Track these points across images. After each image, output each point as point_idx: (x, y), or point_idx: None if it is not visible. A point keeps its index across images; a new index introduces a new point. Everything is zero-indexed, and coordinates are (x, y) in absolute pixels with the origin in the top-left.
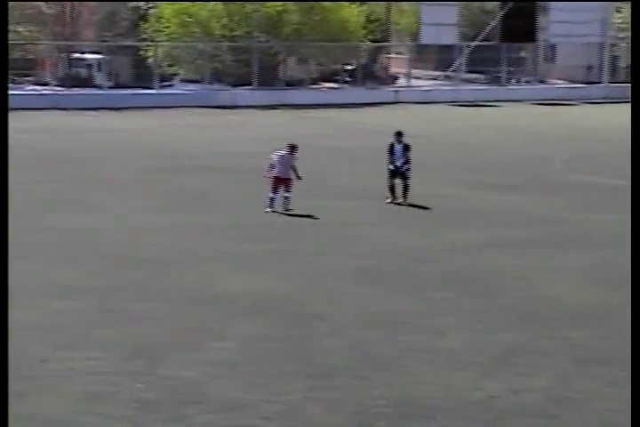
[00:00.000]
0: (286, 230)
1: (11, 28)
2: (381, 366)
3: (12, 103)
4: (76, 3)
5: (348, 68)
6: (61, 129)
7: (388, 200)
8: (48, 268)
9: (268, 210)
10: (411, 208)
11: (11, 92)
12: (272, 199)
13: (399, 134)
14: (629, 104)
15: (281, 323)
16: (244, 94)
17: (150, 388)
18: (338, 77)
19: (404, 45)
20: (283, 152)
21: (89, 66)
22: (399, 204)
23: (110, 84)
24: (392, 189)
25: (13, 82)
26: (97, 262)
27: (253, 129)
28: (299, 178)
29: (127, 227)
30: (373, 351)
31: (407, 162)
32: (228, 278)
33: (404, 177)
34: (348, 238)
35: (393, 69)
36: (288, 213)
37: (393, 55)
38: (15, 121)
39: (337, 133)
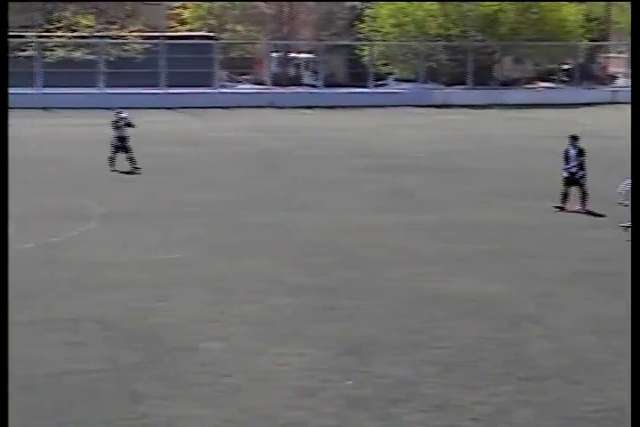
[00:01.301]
0: (501, 231)
1: (229, 26)
2: (594, 370)
3: (229, 101)
4: (294, 3)
5: (565, 67)
6: (277, 127)
7: (559, 207)
8: (264, 264)
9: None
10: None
11: (228, 90)
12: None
13: (574, 138)
14: None
15: (494, 325)
16: (458, 94)
17: (361, 385)
18: (554, 77)
19: (623, 44)
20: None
21: (297, 65)
22: (577, 211)
23: (318, 83)
24: (565, 196)
25: (230, 80)
26: (310, 260)
27: (468, 128)
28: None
29: (340, 226)
30: (586, 356)
31: (582, 168)
32: (443, 279)
33: (579, 184)
34: (569, 240)
35: (611, 69)
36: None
37: (612, 54)
38: (232, 119)
39: (553, 134)
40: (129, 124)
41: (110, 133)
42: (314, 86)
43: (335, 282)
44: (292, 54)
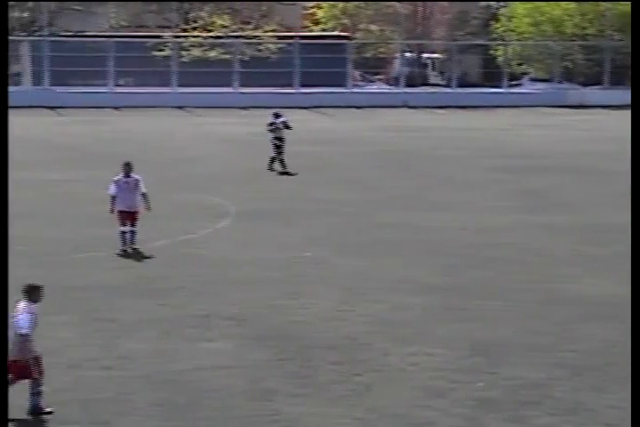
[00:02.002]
0: None
1: (363, 26)
2: None
3: (362, 101)
4: (428, 2)
5: None
6: (410, 127)
7: None
8: (394, 264)
9: None
10: None
11: (361, 90)
12: None
13: None
14: None
15: (626, 328)
16: (594, 94)
17: (490, 386)
18: None
19: None
20: None
21: (424, 65)
22: None
23: (444, 83)
24: None
25: (363, 80)
26: (441, 260)
27: (603, 129)
28: None
29: (473, 225)
30: None
31: None
32: (575, 280)
33: None
34: None
35: None
36: None
37: None
38: (365, 119)
39: None
40: (287, 126)
41: (241, 132)
42: (446, 86)
43: (464, 282)
44: (411, 55)
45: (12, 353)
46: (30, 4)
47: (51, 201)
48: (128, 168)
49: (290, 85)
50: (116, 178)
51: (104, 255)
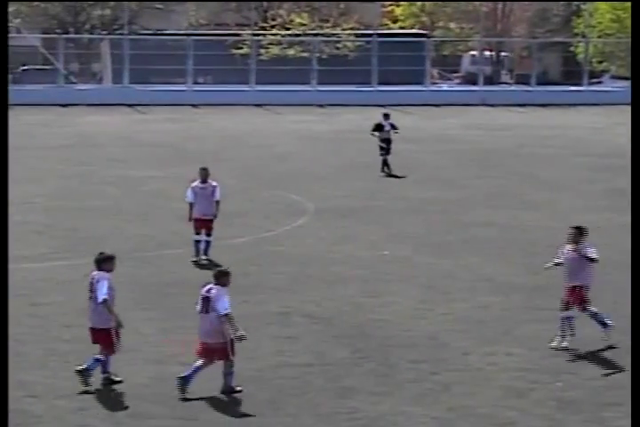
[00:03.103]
0: None
1: (442, 24)
2: None
3: (440, 99)
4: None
5: None
6: (490, 125)
7: None
8: (476, 262)
9: None
10: None
11: (439, 88)
12: None
13: None
14: None
15: None
16: None
17: (571, 387)
18: None
19: None
20: None
21: (496, 63)
22: None
23: (512, 81)
24: None
25: (442, 78)
26: (524, 259)
27: None
28: None
29: (558, 224)
30: None
31: None
32: None
33: None
34: None
35: None
36: None
37: None
38: (444, 117)
39: None
40: (394, 128)
41: (320, 129)
42: (523, 84)
43: (547, 281)
44: (488, 53)
45: (215, 337)
46: (111, 2)
47: (135, 198)
48: (205, 174)
49: (367, 83)
50: (192, 184)
51: (187, 252)
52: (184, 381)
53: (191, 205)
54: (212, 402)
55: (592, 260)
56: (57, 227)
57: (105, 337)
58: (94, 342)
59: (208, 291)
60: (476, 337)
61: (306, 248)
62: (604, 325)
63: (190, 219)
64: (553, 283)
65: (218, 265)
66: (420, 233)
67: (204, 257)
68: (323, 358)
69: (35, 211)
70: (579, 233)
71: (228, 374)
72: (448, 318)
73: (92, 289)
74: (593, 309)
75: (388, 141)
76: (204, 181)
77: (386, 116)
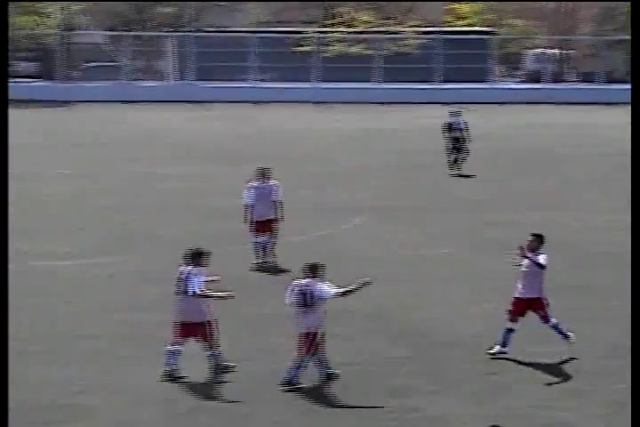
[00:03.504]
0: None
1: (507, 21)
2: None
3: (504, 97)
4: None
5: None
6: (555, 124)
7: None
8: None
9: None
10: None
11: (504, 86)
12: None
13: None
14: None
15: None
16: None
17: (628, 388)
18: None
19: None
20: None
21: (560, 61)
22: None
23: (572, 78)
24: None
25: (506, 75)
26: (574, 259)
27: None
28: None
29: (605, 225)
30: None
31: None
32: None
33: None
34: None
35: None
36: None
37: None
38: (508, 115)
39: None
40: (465, 125)
41: (383, 127)
42: (589, 82)
43: (597, 282)
44: (538, 50)
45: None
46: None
47: (192, 195)
48: (263, 173)
49: (431, 81)
50: (250, 184)
51: (238, 249)
52: (328, 377)
53: (248, 206)
54: (269, 399)
55: (541, 266)
56: (104, 224)
57: (203, 329)
58: (185, 337)
59: (305, 285)
60: (530, 337)
61: (361, 247)
62: (566, 336)
63: (248, 221)
64: (603, 283)
65: (279, 267)
66: (468, 232)
67: (265, 260)
68: (377, 357)
69: (84, 207)
70: (539, 241)
71: (321, 363)
72: (502, 318)
73: (182, 284)
74: (554, 320)
75: (457, 140)
76: (262, 180)
77: (455, 113)
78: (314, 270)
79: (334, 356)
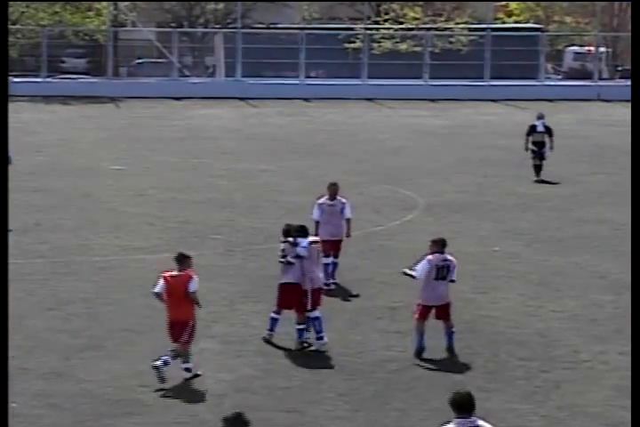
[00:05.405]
0: None
1: (558, 18)
2: None
3: (555, 94)
4: None
5: None
6: (606, 121)
7: None
8: (588, 260)
9: None
10: None
11: (554, 82)
12: None
13: None
14: None
15: None
16: None
17: None
18: None
19: None
20: None
21: (600, 59)
22: None
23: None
24: None
25: (556, 73)
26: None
27: None
28: None
29: None
30: None
31: None
32: None
33: None
34: None
35: None
36: None
37: None
38: (559, 112)
39: None
40: (549, 130)
41: (432, 124)
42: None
43: None
44: (577, 48)
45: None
46: None
47: (246, 191)
48: (334, 190)
49: (480, 78)
50: (319, 201)
51: None
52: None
53: (317, 223)
54: (318, 396)
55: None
56: (169, 219)
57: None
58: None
59: (444, 260)
60: (587, 335)
61: (415, 243)
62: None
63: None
64: None
65: (345, 289)
66: (531, 229)
67: (331, 280)
68: (431, 354)
69: (148, 203)
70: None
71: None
72: (559, 316)
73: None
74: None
75: (540, 145)
76: (332, 197)
77: (539, 116)
78: (444, 245)
79: (389, 352)
